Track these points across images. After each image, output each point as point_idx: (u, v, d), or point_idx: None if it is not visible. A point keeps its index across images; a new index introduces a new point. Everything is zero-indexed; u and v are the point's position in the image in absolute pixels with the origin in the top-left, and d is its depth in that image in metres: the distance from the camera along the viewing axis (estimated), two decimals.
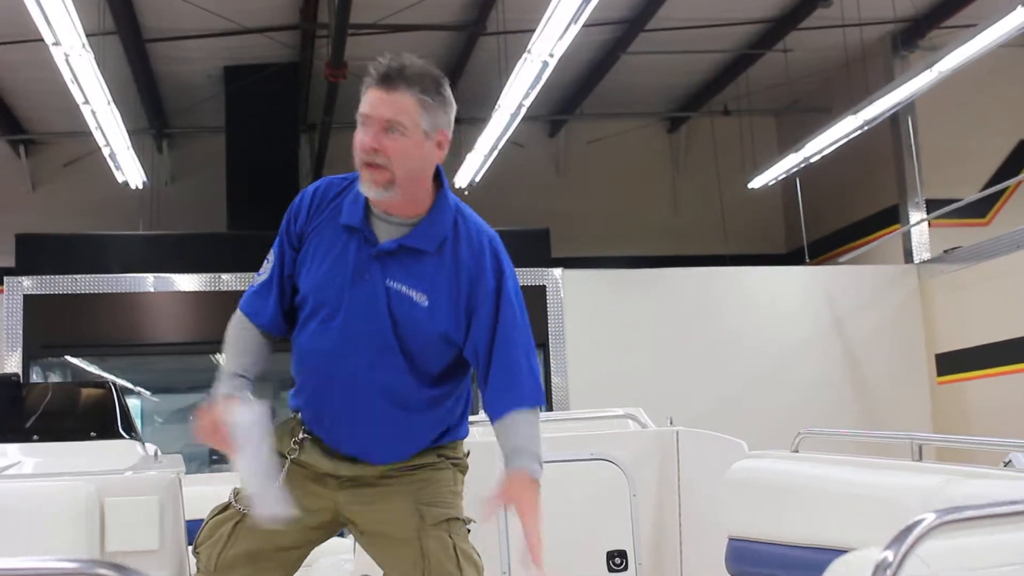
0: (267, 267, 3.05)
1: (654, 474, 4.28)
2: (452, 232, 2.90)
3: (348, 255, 2.89)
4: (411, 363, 2.88)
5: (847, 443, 3.87)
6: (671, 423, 4.46)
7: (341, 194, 2.99)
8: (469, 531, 3.00)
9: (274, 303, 3.03)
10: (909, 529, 1.44)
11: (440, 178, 2.97)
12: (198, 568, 3.00)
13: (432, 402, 2.94)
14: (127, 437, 4.51)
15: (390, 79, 2.80)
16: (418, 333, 2.86)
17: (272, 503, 2.79)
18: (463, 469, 3.08)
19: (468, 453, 3.13)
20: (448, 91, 2.91)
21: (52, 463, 3.95)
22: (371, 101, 2.82)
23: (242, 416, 2.80)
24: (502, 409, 2.87)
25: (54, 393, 5.05)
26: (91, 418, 4.66)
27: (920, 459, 3.11)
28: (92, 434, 4.42)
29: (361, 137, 2.81)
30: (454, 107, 2.93)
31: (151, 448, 4.43)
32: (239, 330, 3.08)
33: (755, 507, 3.40)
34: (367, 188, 2.83)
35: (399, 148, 2.79)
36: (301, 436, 2.98)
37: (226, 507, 3.01)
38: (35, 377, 11.12)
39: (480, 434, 4.91)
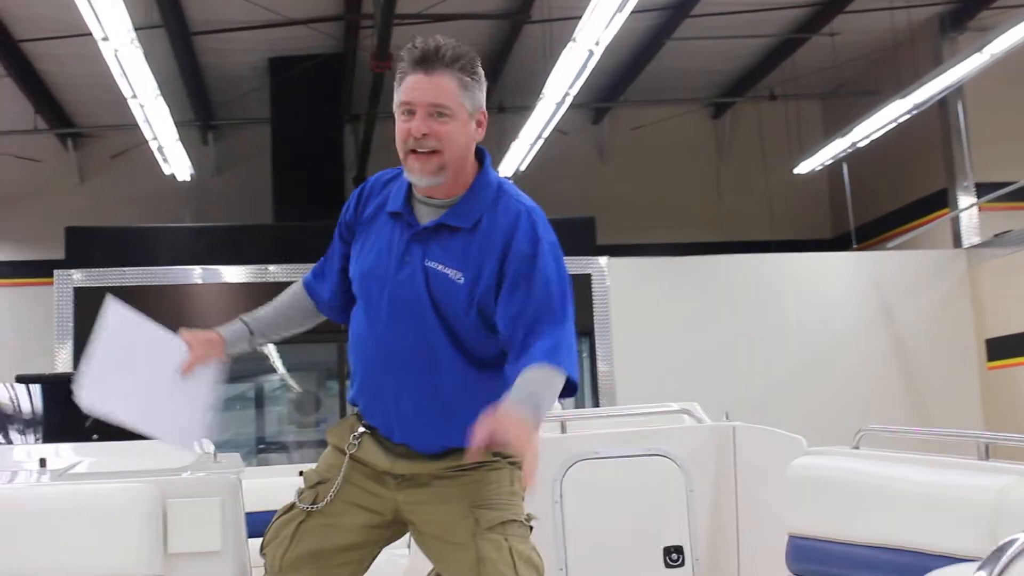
0: (328, 250, 3.17)
1: (711, 470, 4.25)
2: (490, 207, 2.88)
3: (393, 241, 2.91)
4: (456, 342, 2.86)
5: (908, 439, 3.80)
6: (727, 418, 4.42)
7: (389, 184, 3.02)
8: (532, 528, 2.95)
9: (330, 279, 3.13)
10: (1002, 549, 1.42)
11: (482, 157, 2.97)
12: (265, 569, 3.01)
13: (481, 382, 2.88)
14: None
15: (429, 62, 2.81)
16: (458, 311, 2.84)
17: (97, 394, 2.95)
18: (519, 466, 2.91)
19: None
20: (481, 69, 2.92)
21: (112, 463, 3.97)
22: (413, 87, 2.82)
23: (112, 315, 2.98)
24: (517, 371, 2.74)
25: None
26: None
27: (987, 458, 3.07)
28: None
29: (408, 124, 2.82)
30: (486, 84, 2.94)
31: (209, 446, 4.43)
32: (286, 292, 3.26)
33: (817, 505, 3.36)
34: (418, 176, 2.84)
35: (448, 131, 2.81)
36: (360, 431, 2.98)
37: (290, 507, 3.03)
38: None
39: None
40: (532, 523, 2.96)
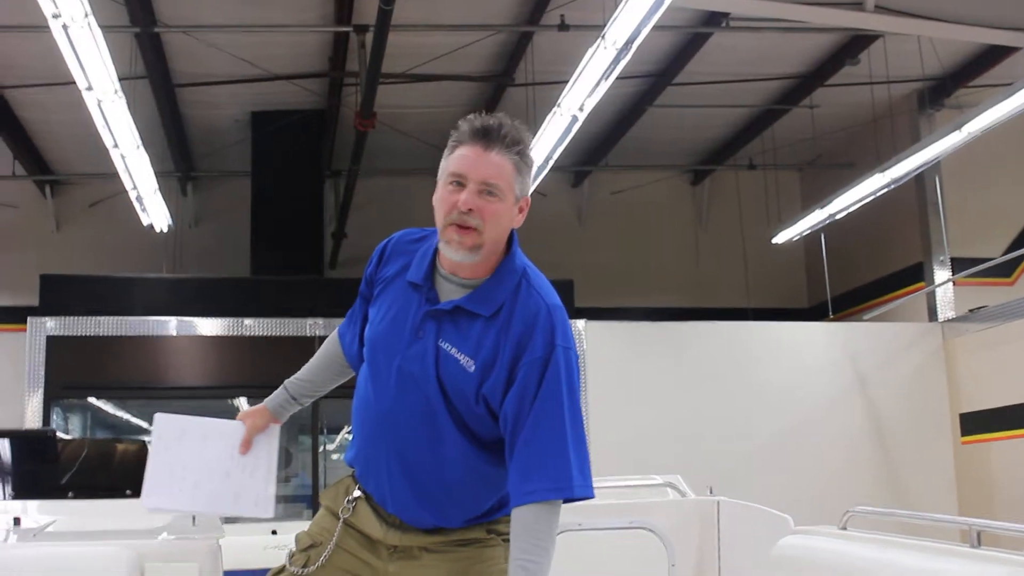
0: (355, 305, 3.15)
1: (694, 545, 4.21)
2: (512, 296, 2.79)
3: (409, 311, 2.84)
4: (460, 424, 2.79)
5: (892, 520, 3.76)
6: (711, 492, 4.39)
7: (414, 245, 2.96)
8: None
9: (355, 335, 3.10)
10: None
11: (511, 240, 2.88)
12: None
13: (481, 469, 2.82)
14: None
15: (490, 138, 2.76)
16: (464, 398, 2.76)
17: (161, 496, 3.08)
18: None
19: None
20: (532, 156, 2.87)
21: (87, 522, 3.90)
22: (470, 159, 2.76)
23: (161, 427, 3.13)
24: (517, 499, 2.68)
25: (89, 449, 5.01)
26: (126, 475, 4.63)
27: (979, 545, 3.03)
28: (128, 492, 4.38)
29: (455, 196, 2.74)
30: (534, 171, 2.90)
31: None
32: (324, 347, 3.24)
33: None
34: (454, 250, 2.76)
35: (494, 211, 2.74)
36: (355, 494, 2.94)
37: (281, 570, 2.98)
38: (55, 418, 11.08)
39: None
40: None
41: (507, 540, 2.80)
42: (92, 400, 12.13)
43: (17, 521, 3.81)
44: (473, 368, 2.75)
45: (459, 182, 2.76)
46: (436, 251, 2.88)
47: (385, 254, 3.01)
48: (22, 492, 4.32)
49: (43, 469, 4.53)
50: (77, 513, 4.13)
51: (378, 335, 2.89)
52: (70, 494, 4.27)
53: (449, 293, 2.83)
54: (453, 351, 2.77)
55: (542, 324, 2.75)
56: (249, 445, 3.14)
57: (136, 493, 4.49)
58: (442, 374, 2.77)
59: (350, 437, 3.09)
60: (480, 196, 2.73)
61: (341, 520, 2.93)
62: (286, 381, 3.22)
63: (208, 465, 3.12)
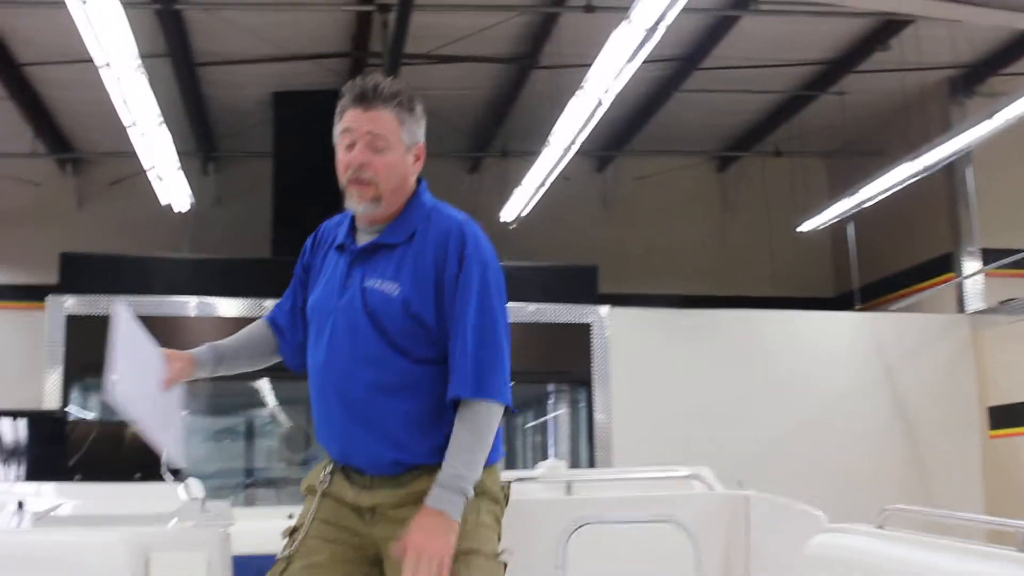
0: (284, 295, 3.29)
1: (721, 540, 4.06)
2: (424, 223, 2.99)
3: (337, 271, 3.03)
4: (396, 348, 2.90)
5: (928, 520, 3.59)
6: (740, 486, 4.24)
7: (338, 226, 3.15)
8: (505, 565, 2.93)
9: (286, 317, 3.22)
10: None
11: (418, 183, 3.10)
12: None
13: (421, 386, 2.90)
14: (172, 480, 4.36)
15: (366, 99, 2.95)
16: (393, 321, 2.90)
17: (159, 433, 2.97)
18: (493, 498, 2.99)
19: (508, 484, 3.07)
20: (420, 107, 3.06)
21: (94, 506, 3.79)
22: (352, 119, 2.96)
23: (123, 320, 2.92)
24: (448, 395, 2.86)
25: (98, 432, 4.90)
26: (135, 459, 4.51)
27: None
28: (136, 476, 4.27)
29: (347, 155, 2.97)
30: (425, 121, 3.07)
31: (197, 491, 4.25)
32: (250, 326, 3.34)
33: None
34: (355, 204, 2.98)
35: (385, 163, 2.95)
36: (329, 468, 3.01)
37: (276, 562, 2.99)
38: (74, 397, 11.01)
39: (528, 491, 4.75)
40: (504, 559, 2.94)
41: (481, 491, 2.89)
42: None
43: (21, 505, 3.70)
44: (397, 292, 2.91)
45: (349, 143, 2.97)
46: (353, 215, 3.10)
47: (316, 241, 3.22)
48: (32, 474, 4.21)
49: (51, 451, 4.43)
50: (84, 496, 4.01)
51: (315, 301, 3.06)
52: (77, 476, 4.15)
53: (367, 240, 3.04)
54: (377, 284, 2.94)
55: (454, 239, 2.94)
56: (169, 386, 3.07)
57: (144, 478, 4.41)
58: (371, 309, 2.92)
59: None
60: (369, 151, 2.94)
61: (319, 493, 2.99)
62: (214, 343, 3.23)
63: (152, 386, 3.00)
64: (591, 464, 11.42)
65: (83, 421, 8.30)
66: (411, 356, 2.91)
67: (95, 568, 2.92)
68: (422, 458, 2.88)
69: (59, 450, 4.16)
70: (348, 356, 2.91)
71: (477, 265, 2.93)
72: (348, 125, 2.97)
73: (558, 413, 13.07)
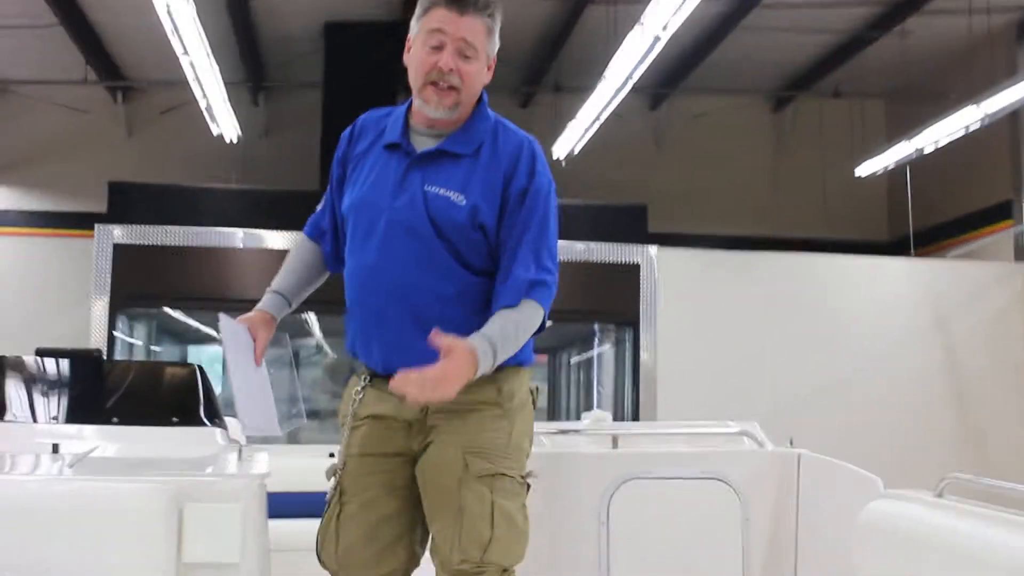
0: (323, 198, 3.26)
1: (770, 499, 3.95)
2: (490, 137, 3.00)
3: (389, 170, 2.98)
4: (457, 259, 2.91)
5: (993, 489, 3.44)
6: (791, 444, 4.12)
7: (382, 120, 3.11)
8: (529, 487, 2.93)
9: (328, 226, 3.20)
10: None
11: (481, 96, 3.07)
12: (329, 572, 2.97)
13: (477, 299, 2.93)
14: (210, 424, 4.29)
15: (463, 2, 2.91)
16: (458, 229, 2.90)
17: (255, 417, 2.95)
18: (528, 411, 3.03)
19: (536, 389, 3.07)
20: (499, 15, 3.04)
21: (131, 449, 3.73)
22: (446, 21, 2.91)
23: (227, 328, 2.97)
24: (495, 306, 2.88)
25: (136, 373, 4.84)
26: (173, 402, 4.45)
27: None
28: (174, 420, 4.21)
29: (432, 56, 2.91)
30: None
31: (236, 435, 4.19)
32: (296, 249, 3.30)
33: (895, 559, 3.03)
34: (434, 107, 2.94)
35: (471, 72, 2.94)
36: (362, 383, 3.00)
37: (327, 506, 2.97)
38: (120, 327, 11.05)
39: (573, 444, 4.65)
40: (530, 480, 2.96)
41: (512, 406, 2.96)
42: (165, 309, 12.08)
43: (56, 448, 3.65)
44: (464, 202, 2.90)
45: (437, 44, 2.91)
46: (407, 113, 3.06)
47: (355, 132, 3.15)
48: (69, 416, 4.15)
49: (89, 392, 4.37)
50: (120, 440, 3.95)
51: (362, 196, 3.00)
52: (114, 420, 4.09)
53: (426, 144, 3.00)
54: (441, 191, 2.92)
55: (526, 155, 2.98)
56: (261, 359, 3.10)
57: (182, 422, 4.35)
58: (433, 213, 2.90)
59: None
60: (459, 57, 2.92)
61: (350, 423, 2.98)
62: (272, 286, 3.22)
63: (251, 379, 3.02)
64: (635, 405, 11.35)
65: (121, 362, 8.27)
66: (471, 267, 2.93)
67: (128, 518, 2.86)
68: None
69: (97, 391, 4.09)
70: (405, 259, 2.89)
71: (545, 183, 2.98)
72: (440, 26, 2.91)
73: (602, 350, 12.97)
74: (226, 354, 2.95)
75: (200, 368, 4.53)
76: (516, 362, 2.96)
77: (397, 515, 2.93)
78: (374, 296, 2.93)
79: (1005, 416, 11.66)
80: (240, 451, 3.62)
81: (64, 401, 4.26)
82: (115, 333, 10.88)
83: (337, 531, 2.90)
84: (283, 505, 3.83)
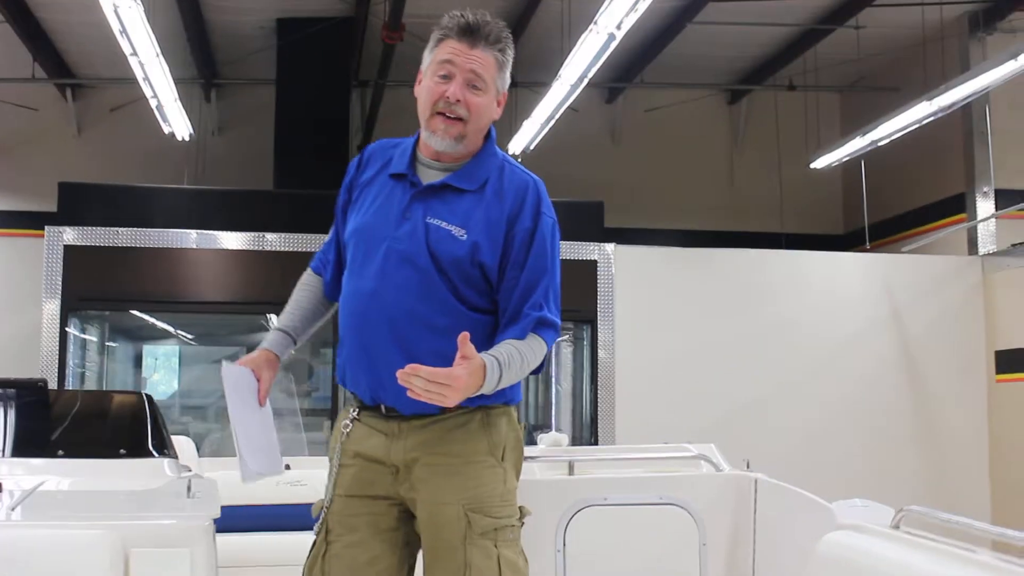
0: (330, 232, 3.26)
1: (727, 525, 3.93)
2: (496, 174, 3.02)
3: (394, 200, 3.00)
4: (453, 293, 2.92)
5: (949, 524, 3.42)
6: (748, 467, 4.10)
7: (391, 150, 3.14)
8: (523, 524, 2.97)
9: (333, 257, 3.20)
10: None
11: (489, 131, 3.10)
12: None
13: (476, 324, 2.92)
14: (157, 455, 4.22)
15: (474, 35, 2.95)
16: (457, 264, 2.91)
17: (259, 460, 2.94)
18: (520, 451, 3.07)
19: (525, 425, 3.11)
20: (512, 52, 3.08)
21: (77, 484, 3.66)
22: (456, 52, 2.94)
23: (229, 375, 2.95)
24: (500, 339, 2.91)
25: (83, 403, 4.75)
26: (120, 433, 4.37)
27: None
28: (121, 451, 4.13)
29: (443, 87, 2.94)
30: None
31: (188, 453, 4.12)
32: (301, 285, 3.29)
33: None
34: (439, 139, 2.97)
35: (478, 104, 2.96)
36: (351, 415, 3.00)
37: (313, 544, 2.98)
38: (72, 329, 10.90)
39: (528, 470, 4.59)
40: (524, 519, 3.00)
41: (511, 448, 3.02)
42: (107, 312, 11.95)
43: None
44: (465, 237, 2.92)
45: (447, 74, 2.96)
46: (415, 145, 3.10)
47: (363, 160, 3.18)
48: (11, 449, 4.06)
49: (33, 423, 4.28)
50: (67, 474, 3.87)
51: (365, 223, 3.02)
52: (60, 452, 4.01)
53: (432, 177, 3.02)
54: (443, 224, 2.94)
55: (531, 197, 3.00)
56: (265, 399, 3.07)
57: (129, 453, 4.27)
58: (433, 245, 2.92)
59: None
60: (467, 88, 2.95)
61: (337, 462, 2.97)
62: (278, 324, 3.22)
63: (255, 422, 3.02)
64: (593, 405, 11.33)
65: (67, 392, 8.14)
66: (466, 302, 2.94)
67: (74, 565, 2.80)
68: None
69: (42, 422, 4.01)
70: (401, 288, 2.90)
71: (550, 224, 3.01)
72: (450, 58, 2.95)
73: (560, 351, 12.93)
74: (229, 404, 2.94)
75: (148, 397, 4.45)
76: (504, 400, 3.01)
77: (382, 557, 2.95)
78: (366, 321, 2.94)
79: (959, 406, 11.74)
80: (189, 484, 3.55)
81: (8, 433, 4.17)
82: (68, 330, 10.74)
83: (323, 570, 2.91)
84: (234, 519, 3.77)
